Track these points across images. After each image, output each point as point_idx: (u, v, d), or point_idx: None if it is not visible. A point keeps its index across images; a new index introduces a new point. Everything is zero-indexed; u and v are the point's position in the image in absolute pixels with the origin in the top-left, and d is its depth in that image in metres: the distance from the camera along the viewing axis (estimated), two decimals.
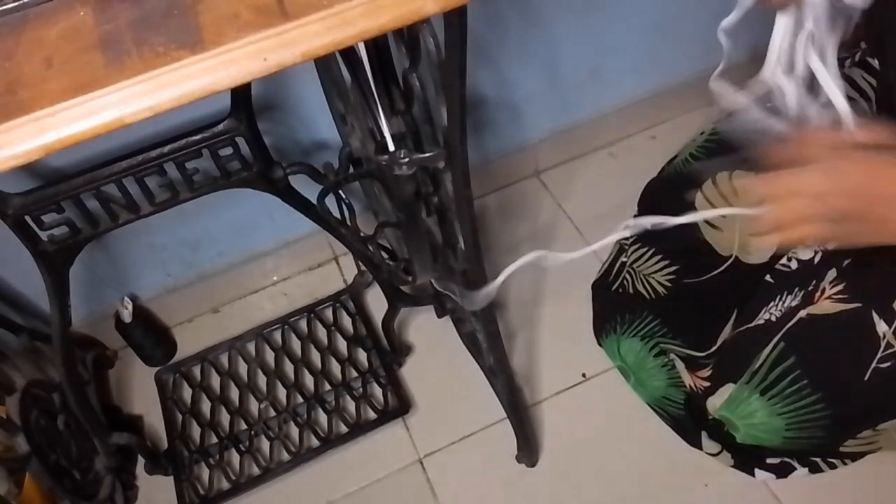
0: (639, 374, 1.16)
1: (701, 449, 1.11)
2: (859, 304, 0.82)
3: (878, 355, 0.81)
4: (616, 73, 1.41)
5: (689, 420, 1.12)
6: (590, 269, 1.32)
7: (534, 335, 1.30)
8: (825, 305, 0.85)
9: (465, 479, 1.15)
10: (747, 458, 1.09)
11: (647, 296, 1.14)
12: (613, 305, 1.21)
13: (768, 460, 1.08)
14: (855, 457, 1.08)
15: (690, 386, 1.07)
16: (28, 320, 1.20)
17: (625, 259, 1.19)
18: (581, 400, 1.21)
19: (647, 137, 1.55)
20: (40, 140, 0.47)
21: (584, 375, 1.24)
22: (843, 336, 0.84)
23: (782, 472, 1.08)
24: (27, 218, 0.77)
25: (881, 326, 0.80)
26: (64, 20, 0.52)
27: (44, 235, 0.80)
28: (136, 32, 0.49)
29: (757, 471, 1.09)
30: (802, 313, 0.87)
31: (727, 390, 0.97)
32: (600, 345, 1.25)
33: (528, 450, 1.13)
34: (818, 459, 1.07)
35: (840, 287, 0.84)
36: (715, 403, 1.00)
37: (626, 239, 1.20)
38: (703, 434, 1.10)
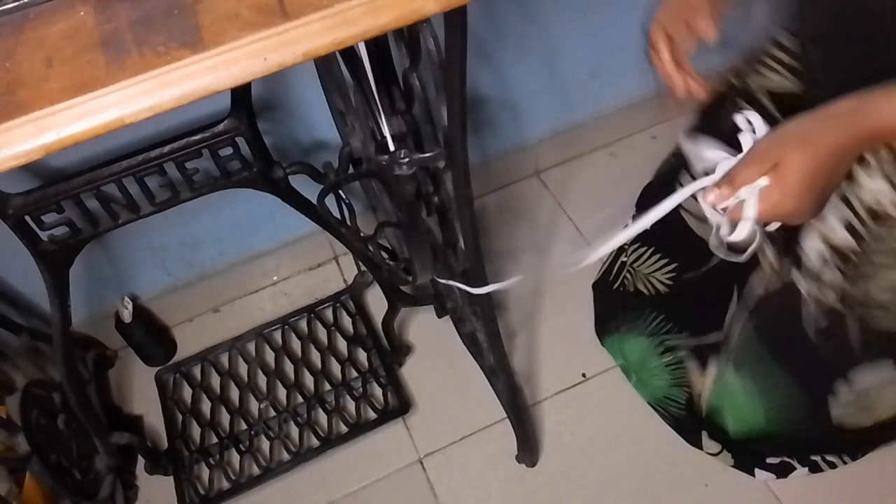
0: (641, 373, 1.16)
1: (701, 449, 1.11)
2: (790, 269, 0.83)
3: (812, 315, 0.83)
4: (616, 73, 1.41)
5: (690, 420, 1.12)
6: (589, 269, 1.32)
7: (534, 335, 1.30)
8: (770, 275, 0.86)
9: (465, 479, 1.15)
10: (747, 457, 1.09)
11: (649, 293, 1.14)
12: (616, 304, 1.21)
13: (768, 460, 1.08)
14: (855, 453, 1.08)
15: (697, 392, 1.07)
16: (28, 320, 1.20)
17: (625, 259, 1.19)
18: (581, 400, 1.21)
19: (648, 137, 1.55)
20: (40, 140, 0.46)
21: (584, 375, 1.24)
22: (783, 303, 0.86)
23: (782, 471, 1.08)
24: (27, 218, 0.77)
25: (802, 285, 0.81)
26: (64, 20, 0.52)
27: (44, 235, 0.80)
28: (136, 32, 0.49)
29: (757, 471, 1.09)
30: (760, 289, 0.88)
31: (712, 370, 0.98)
32: (603, 344, 1.25)
33: (528, 450, 1.13)
34: (818, 458, 1.07)
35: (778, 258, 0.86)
36: (706, 395, 1.00)
37: None
38: (704, 434, 1.10)
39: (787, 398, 0.95)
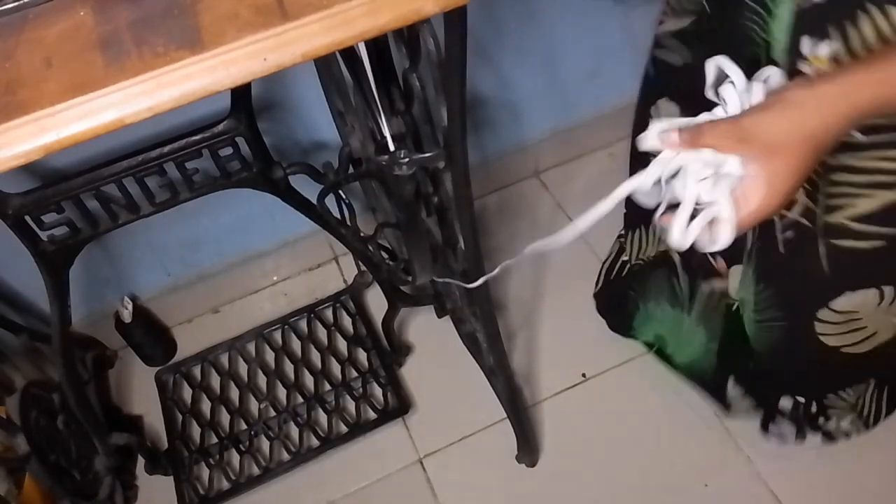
0: (677, 338, 1.15)
1: (726, 406, 1.11)
2: None
3: (777, 225, 0.82)
4: (615, 73, 1.41)
5: (719, 371, 1.11)
6: (589, 268, 1.32)
7: (534, 335, 1.30)
8: None
9: (465, 479, 1.15)
10: (765, 400, 1.08)
11: (664, 266, 1.13)
12: (626, 287, 1.20)
13: (782, 421, 1.08)
14: (867, 419, 1.07)
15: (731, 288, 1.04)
16: (28, 320, 1.20)
17: (625, 258, 1.19)
18: (581, 400, 1.21)
19: None
20: (40, 140, 0.46)
21: (584, 375, 1.24)
22: (764, 227, 0.84)
23: (799, 437, 1.08)
24: (27, 218, 0.77)
25: None
26: (64, 20, 0.52)
27: (44, 235, 0.80)
28: (135, 32, 0.49)
29: (771, 426, 1.08)
30: None
31: (737, 271, 0.97)
32: (627, 335, 1.23)
33: (528, 450, 1.13)
34: (831, 429, 1.07)
35: None
36: (734, 285, 1.00)
37: (623, 237, 1.20)
38: (730, 380, 1.10)
39: (767, 304, 0.93)
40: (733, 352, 1.08)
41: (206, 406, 1.27)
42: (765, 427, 1.10)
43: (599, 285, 1.29)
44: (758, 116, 0.54)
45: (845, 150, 0.69)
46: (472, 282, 0.87)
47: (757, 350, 1.03)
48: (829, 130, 0.52)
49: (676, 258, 1.08)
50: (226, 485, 1.17)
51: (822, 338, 0.92)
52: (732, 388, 1.11)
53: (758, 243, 0.90)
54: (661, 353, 1.21)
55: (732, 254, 0.98)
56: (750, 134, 0.53)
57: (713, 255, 1.03)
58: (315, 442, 1.19)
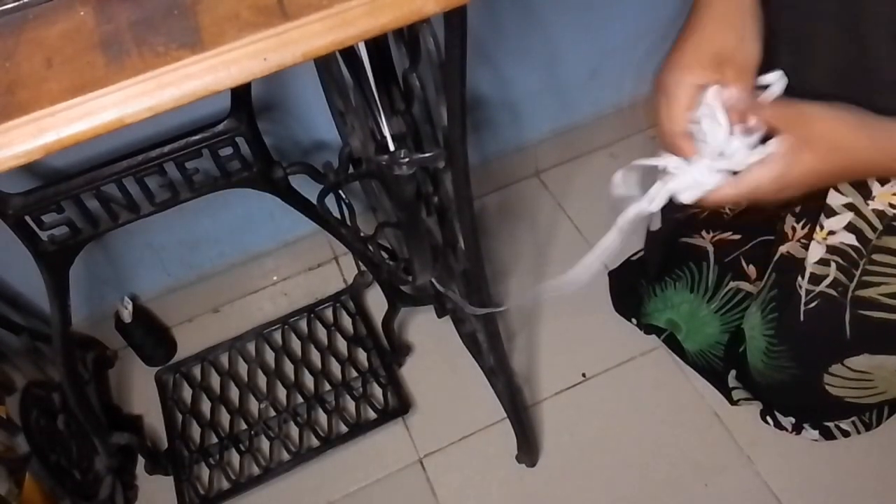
0: (691, 324, 1.16)
1: (729, 393, 1.15)
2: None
3: (802, 298, 0.85)
4: (616, 73, 1.41)
5: (725, 364, 1.14)
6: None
7: (534, 335, 1.30)
8: (794, 247, 0.87)
9: (465, 479, 1.15)
10: (763, 395, 1.11)
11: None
12: (642, 272, 1.21)
13: (781, 416, 1.10)
14: (868, 422, 1.09)
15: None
16: (28, 320, 1.20)
17: None
18: (581, 400, 1.21)
19: (648, 137, 1.55)
20: (40, 140, 0.46)
21: (584, 375, 1.24)
22: (786, 280, 0.87)
23: (794, 428, 1.10)
24: (27, 218, 0.77)
25: (808, 260, 0.82)
26: (64, 20, 0.52)
27: (44, 235, 0.80)
28: (136, 32, 0.49)
29: (769, 418, 1.11)
30: (783, 248, 0.89)
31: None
32: (641, 320, 1.24)
33: (528, 450, 1.13)
34: (830, 425, 1.09)
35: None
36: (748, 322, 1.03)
37: None
38: (732, 373, 1.13)
39: (780, 357, 0.96)
40: (738, 350, 1.09)
41: (206, 406, 1.27)
42: (763, 417, 1.12)
43: (618, 266, 1.30)
44: (812, 107, 0.54)
45: (891, 233, 0.71)
46: (475, 287, 0.87)
47: (758, 381, 1.05)
48: (864, 166, 0.54)
49: (710, 251, 1.09)
50: (226, 485, 1.17)
51: (827, 388, 0.94)
52: (732, 381, 1.13)
53: (773, 303, 0.91)
54: (672, 340, 1.22)
55: (765, 263, 1.00)
56: (795, 117, 0.53)
57: (745, 260, 1.05)
58: (315, 442, 1.19)
